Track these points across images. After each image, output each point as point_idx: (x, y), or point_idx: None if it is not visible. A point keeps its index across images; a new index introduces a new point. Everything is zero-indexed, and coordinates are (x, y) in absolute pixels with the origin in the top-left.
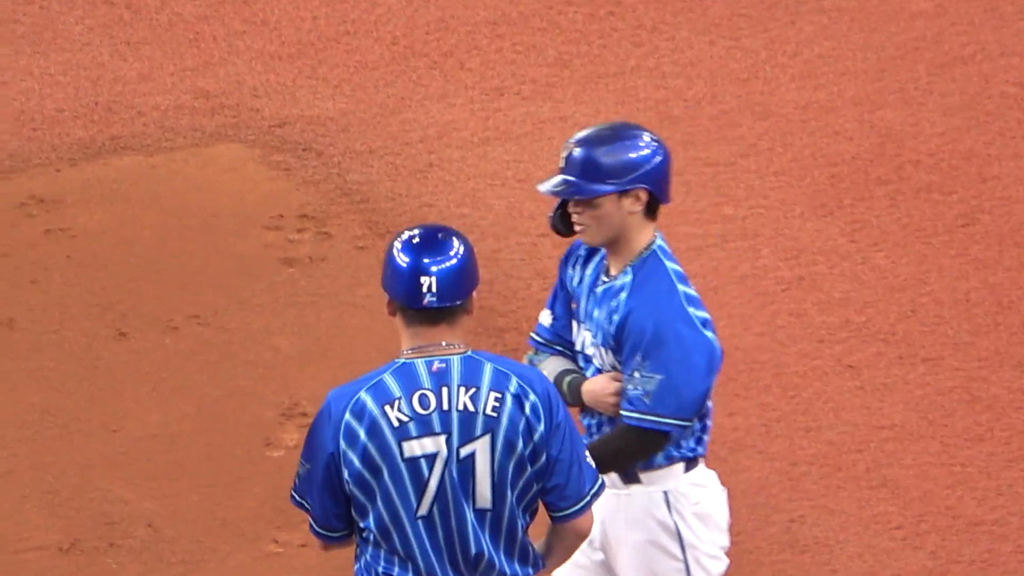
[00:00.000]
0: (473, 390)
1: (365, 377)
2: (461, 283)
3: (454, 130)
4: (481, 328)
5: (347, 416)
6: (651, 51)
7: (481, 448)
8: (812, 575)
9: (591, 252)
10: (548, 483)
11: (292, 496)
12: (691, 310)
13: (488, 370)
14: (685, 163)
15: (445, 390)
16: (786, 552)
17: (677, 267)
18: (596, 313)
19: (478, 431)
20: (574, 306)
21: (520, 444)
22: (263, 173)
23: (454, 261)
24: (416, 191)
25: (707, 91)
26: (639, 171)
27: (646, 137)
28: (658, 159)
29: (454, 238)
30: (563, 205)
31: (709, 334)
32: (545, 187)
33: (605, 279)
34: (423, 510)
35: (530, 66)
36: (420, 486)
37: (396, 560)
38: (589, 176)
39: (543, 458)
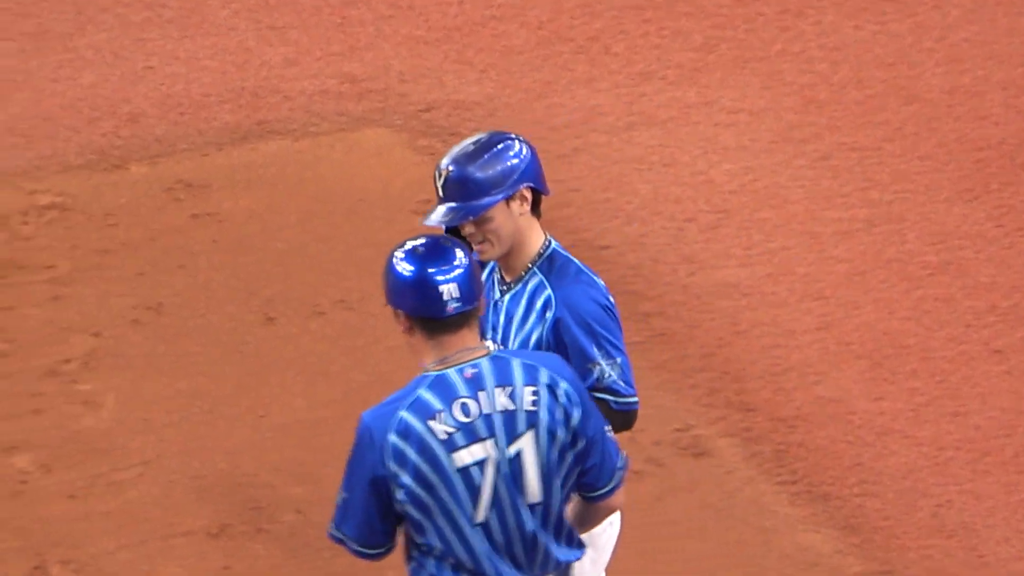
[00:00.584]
0: (509, 388)
1: (397, 397)
2: (475, 283)
3: (600, 115)
4: (627, 314)
5: (392, 438)
6: (797, 35)
7: (527, 444)
8: (959, 560)
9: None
10: (586, 465)
11: (330, 533)
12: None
13: (517, 366)
14: (831, 148)
15: (483, 394)
16: (934, 537)
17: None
18: (503, 320)
19: (522, 428)
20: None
21: (560, 432)
22: (409, 158)
23: (465, 263)
24: (562, 175)
25: (853, 75)
26: (517, 172)
27: (509, 139)
28: (527, 154)
29: (450, 243)
30: (452, 229)
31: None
32: (434, 219)
33: (504, 287)
34: (480, 517)
35: (676, 51)
36: (475, 493)
37: (448, 567)
38: (472, 195)
39: (581, 442)
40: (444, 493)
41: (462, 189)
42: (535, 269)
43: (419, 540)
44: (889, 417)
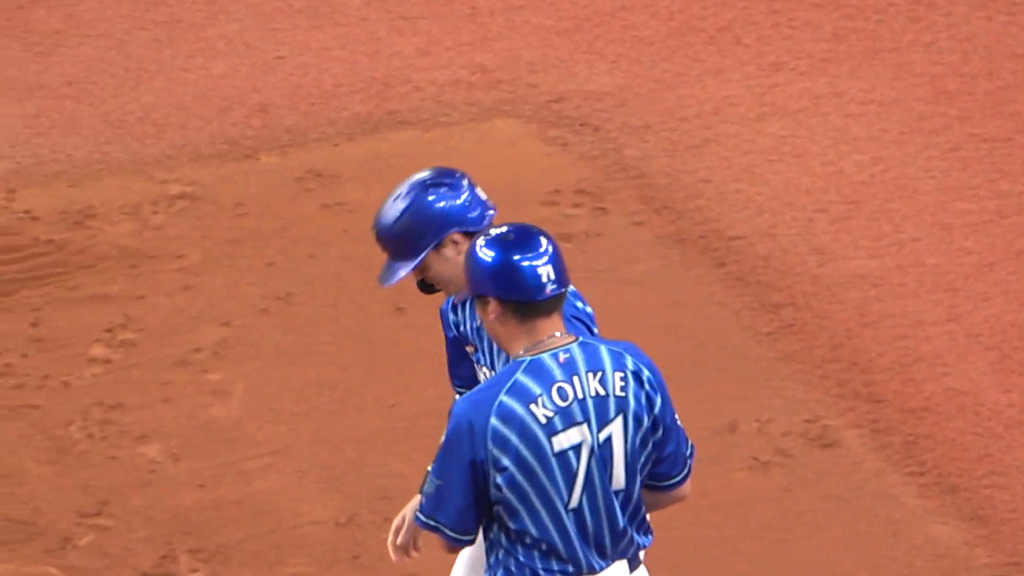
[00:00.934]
0: (600, 374)
1: (492, 383)
2: (564, 266)
3: (730, 105)
4: (756, 304)
5: (493, 421)
6: (927, 26)
7: (616, 429)
8: None
9: None
10: (662, 453)
11: (419, 519)
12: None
13: (605, 352)
14: (961, 138)
15: (576, 379)
16: None
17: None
18: (486, 346)
19: (612, 413)
20: (470, 349)
21: (645, 419)
22: (539, 148)
23: (552, 246)
24: (692, 166)
25: (983, 66)
26: (437, 222)
27: (430, 186)
28: (444, 202)
29: (535, 229)
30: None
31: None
32: (382, 281)
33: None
34: (574, 503)
35: (806, 41)
36: (570, 478)
37: (536, 554)
38: (401, 253)
39: (660, 430)
40: (543, 477)
41: (391, 247)
42: None
43: (512, 526)
44: (1018, 409)
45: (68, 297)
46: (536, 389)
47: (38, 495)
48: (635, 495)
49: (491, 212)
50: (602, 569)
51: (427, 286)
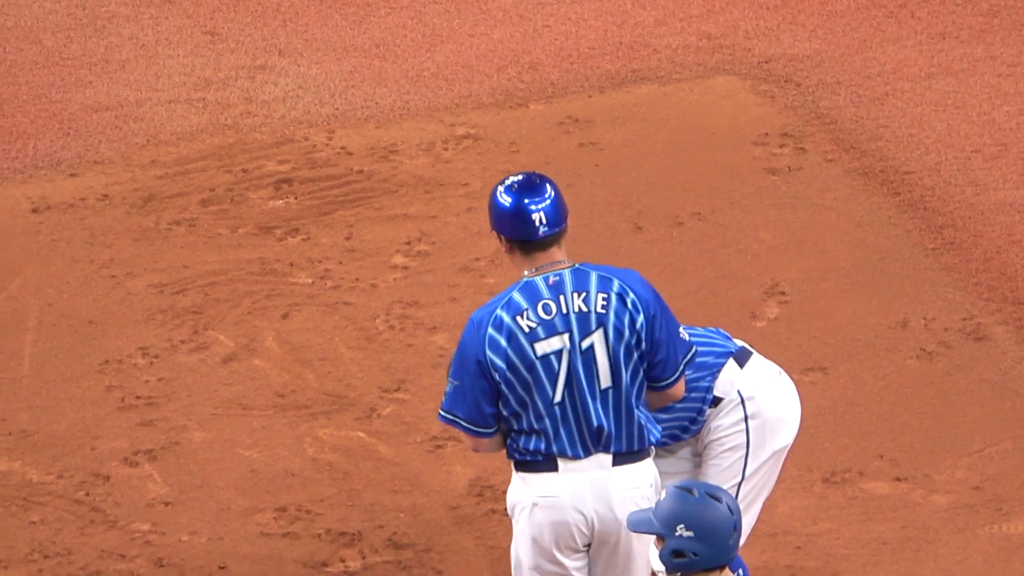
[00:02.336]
0: (584, 294)
1: (497, 298)
2: (561, 211)
3: (905, 66)
4: (924, 225)
5: (490, 330)
6: None
7: (598, 339)
8: None
9: None
10: (654, 359)
11: (441, 415)
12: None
13: (594, 277)
14: None
15: (562, 298)
16: None
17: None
18: None
19: (593, 326)
20: None
21: (627, 332)
22: (752, 100)
23: (552, 194)
24: (874, 115)
25: None
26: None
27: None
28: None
29: (539, 179)
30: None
31: None
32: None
33: None
34: (557, 398)
35: (967, 15)
36: (553, 378)
37: (530, 438)
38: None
39: (646, 342)
40: (528, 376)
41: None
42: None
43: (509, 415)
44: None
45: (375, 216)
46: (524, 304)
47: (350, 374)
48: (624, 395)
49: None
50: (580, 457)
51: None
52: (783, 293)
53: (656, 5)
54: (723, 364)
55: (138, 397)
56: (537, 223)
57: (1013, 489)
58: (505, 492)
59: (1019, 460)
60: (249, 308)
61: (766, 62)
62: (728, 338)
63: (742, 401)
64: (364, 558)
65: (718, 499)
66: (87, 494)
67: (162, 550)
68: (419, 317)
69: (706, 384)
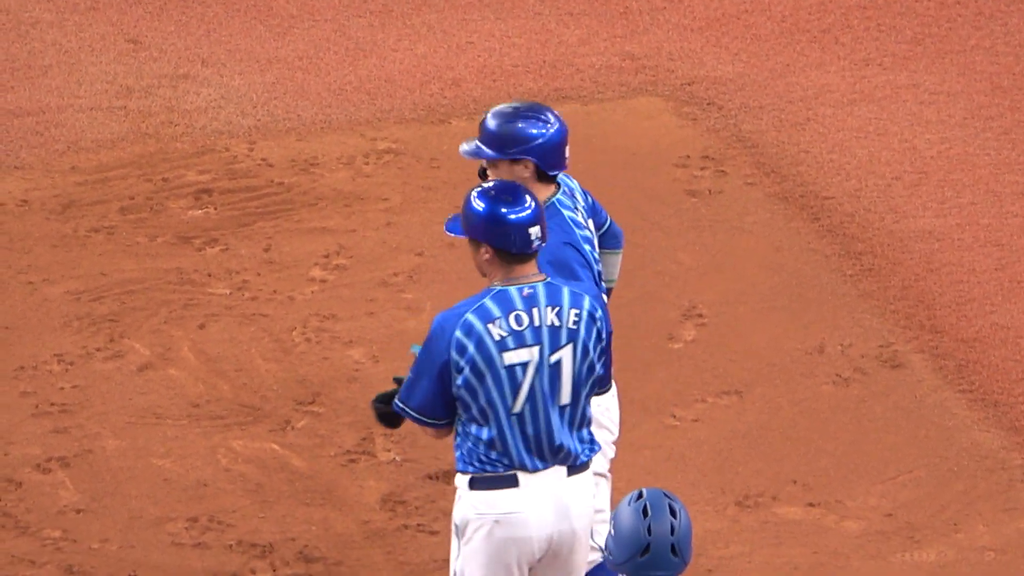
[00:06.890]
0: (557, 308)
1: (466, 302)
2: (545, 223)
3: (828, 92)
4: (843, 251)
5: (457, 333)
6: (987, 34)
7: (567, 355)
8: None
9: None
10: (601, 373)
11: (395, 404)
12: (577, 231)
13: (566, 292)
14: (1012, 124)
15: (535, 310)
16: None
17: (573, 214)
18: None
19: (563, 341)
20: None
21: (592, 351)
22: (674, 122)
23: (535, 204)
24: (796, 140)
25: None
26: (525, 145)
27: (544, 116)
28: (544, 136)
29: (521, 190)
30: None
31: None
32: (462, 148)
33: None
34: (516, 408)
35: (891, 42)
36: (515, 388)
37: (483, 445)
38: (487, 143)
39: (604, 358)
40: (491, 382)
41: (483, 135)
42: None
43: (467, 418)
44: None
45: (294, 228)
46: (496, 312)
47: (265, 386)
48: (580, 411)
49: (563, 171)
50: (537, 470)
51: (484, 177)
52: (700, 316)
53: (580, 24)
54: None
55: (52, 404)
56: (533, 236)
57: (926, 517)
58: (418, 508)
59: (932, 488)
60: (166, 317)
61: (689, 84)
62: None
63: None
64: (275, 570)
65: (646, 513)
66: None
67: (72, 557)
68: (336, 331)
69: None
